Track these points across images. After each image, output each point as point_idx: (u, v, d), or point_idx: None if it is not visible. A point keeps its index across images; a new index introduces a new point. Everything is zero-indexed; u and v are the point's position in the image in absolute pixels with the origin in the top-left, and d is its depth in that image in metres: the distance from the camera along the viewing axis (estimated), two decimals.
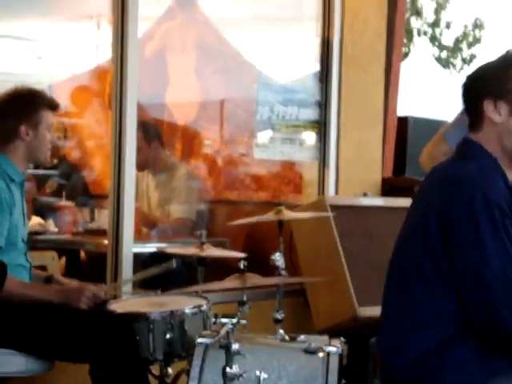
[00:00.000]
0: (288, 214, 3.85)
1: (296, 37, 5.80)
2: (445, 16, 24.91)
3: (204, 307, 3.39)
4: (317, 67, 5.44)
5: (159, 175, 5.26)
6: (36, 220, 5.27)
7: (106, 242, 4.39)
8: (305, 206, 4.90)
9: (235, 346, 2.55)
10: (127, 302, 3.59)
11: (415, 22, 23.95)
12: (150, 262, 4.78)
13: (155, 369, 3.47)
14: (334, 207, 4.61)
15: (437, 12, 24.79)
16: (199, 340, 2.86)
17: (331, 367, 2.81)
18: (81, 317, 3.30)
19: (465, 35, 25.09)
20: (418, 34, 24.16)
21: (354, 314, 4.39)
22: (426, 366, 2.53)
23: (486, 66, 2.71)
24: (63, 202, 5.66)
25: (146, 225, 5.08)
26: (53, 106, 3.57)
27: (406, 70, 8.29)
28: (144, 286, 3.99)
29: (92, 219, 5.34)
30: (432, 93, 9.99)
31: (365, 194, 5.25)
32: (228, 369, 2.54)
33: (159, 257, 4.78)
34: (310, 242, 4.70)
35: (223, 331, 2.59)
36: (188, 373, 2.85)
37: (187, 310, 3.35)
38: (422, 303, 2.56)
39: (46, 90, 3.89)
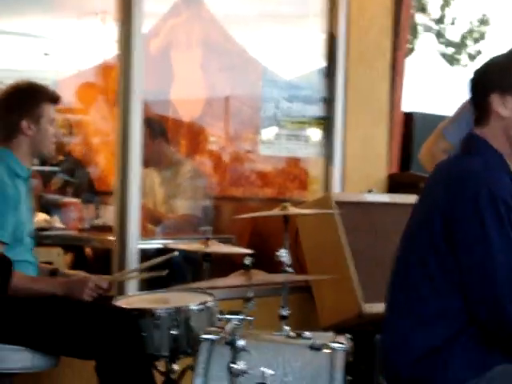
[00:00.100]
0: (293, 210, 3.85)
1: (301, 33, 5.80)
2: (450, 12, 24.85)
3: (209, 304, 3.39)
4: (322, 63, 5.43)
5: (164, 172, 5.26)
6: (42, 216, 5.27)
7: (111, 238, 4.40)
8: (310, 203, 4.89)
9: (241, 343, 2.56)
10: (133, 298, 3.59)
11: (421, 18, 23.89)
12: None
13: (161, 365, 3.47)
14: (340, 204, 4.60)
15: (442, 8, 24.74)
16: (205, 336, 2.86)
17: (337, 364, 2.81)
18: (87, 313, 3.31)
19: (470, 31, 25.03)
20: (424, 30, 24.11)
21: (360, 310, 4.39)
22: (430, 363, 2.53)
23: (494, 60, 2.71)
24: (69, 199, 5.66)
25: (152, 221, 5.08)
26: (54, 99, 3.54)
27: (412, 66, 8.28)
28: (150, 282, 3.99)
29: (97, 216, 5.34)
30: (437, 89, 9.97)
31: (370, 191, 5.24)
32: (233, 365, 2.55)
33: (164, 253, 4.79)
34: (315, 239, 4.69)
35: (229, 327, 2.60)
36: (194, 369, 2.85)
37: (193, 307, 3.35)
38: (426, 300, 2.55)
39: (51, 86, 3.88)
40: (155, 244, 4.75)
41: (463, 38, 25.03)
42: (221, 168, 5.95)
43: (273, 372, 2.73)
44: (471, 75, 2.71)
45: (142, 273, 3.87)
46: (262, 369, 2.70)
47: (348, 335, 3.00)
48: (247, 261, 3.18)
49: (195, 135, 5.92)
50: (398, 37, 5.60)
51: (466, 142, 2.71)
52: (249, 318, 3.01)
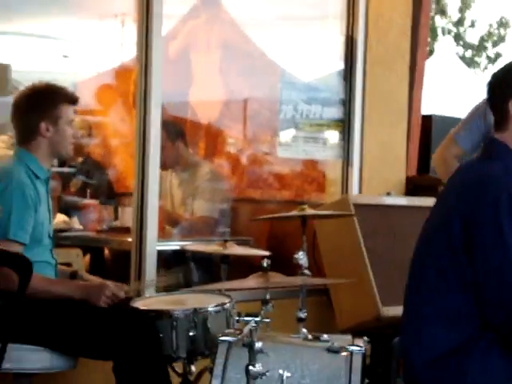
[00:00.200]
0: (311, 212, 3.84)
1: (320, 35, 5.79)
2: (469, 14, 24.77)
3: (227, 305, 3.39)
4: (341, 65, 5.42)
5: (182, 173, 5.27)
6: (61, 218, 5.30)
7: (129, 239, 4.41)
8: (328, 205, 4.89)
9: (258, 345, 2.55)
10: (151, 300, 3.60)
11: (440, 21, 23.82)
12: (174, 260, 4.82)
13: (178, 366, 3.48)
14: (358, 206, 4.60)
15: (461, 10, 24.66)
16: (222, 338, 2.86)
17: (354, 366, 2.80)
18: (105, 314, 3.31)
19: (489, 34, 24.92)
20: (443, 33, 24.03)
21: (378, 313, 4.38)
22: (447, 364, 2.53)
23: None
24: (87, 200, 5.68)
25: (170, 223, 5.09)
26: (72, 100, 3.54)
27: (431, 69, 8.26)
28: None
29: (116, 217, 5.36)
30: (456, 91, 9.94)
31: (388, 193, 5.23)
32: (251, 367, 2.54)
33: (182, 254, 4.81)
34: (333, 241, 4.69)
35: (246, 329, 2.59)
36: (211, 371, 2.85)
37: (210, 308, 3.35)
38: (440, 302, 2.54)
39: (70, 89, 3.89)
40: (173, 246, 4.76)
41: (482, 40, 24.94)
42: (239, 170, 5.95)
43: (290, 374, 2.72)
44: (489, 79, 2.70)
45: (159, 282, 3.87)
46: (280, 371, 2.70)
47: (366, 338, 2.99)
48: (265, 263, 3.18)
49: (213, 137, 5.93)
50: (417, 39, 5.59)
51: (486, 146, 2.70)
52: (266, 320, 3.00)
